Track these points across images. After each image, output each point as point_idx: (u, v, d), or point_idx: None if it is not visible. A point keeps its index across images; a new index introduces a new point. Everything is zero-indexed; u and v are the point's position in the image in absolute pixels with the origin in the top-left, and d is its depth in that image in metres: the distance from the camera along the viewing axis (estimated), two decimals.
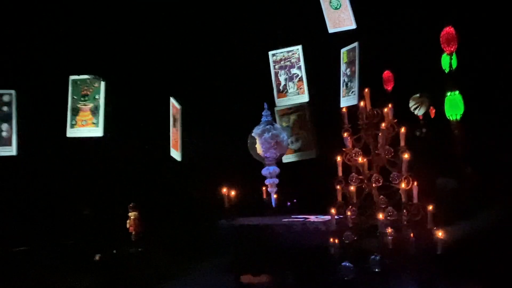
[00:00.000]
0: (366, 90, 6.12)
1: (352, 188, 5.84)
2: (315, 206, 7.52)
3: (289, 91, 8.58)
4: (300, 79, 8.45)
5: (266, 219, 7.33)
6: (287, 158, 9.03)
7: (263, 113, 7.83)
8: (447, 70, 6.67)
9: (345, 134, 6.07)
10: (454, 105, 6.15)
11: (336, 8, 8.27)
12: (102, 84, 7.86)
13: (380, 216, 5.54)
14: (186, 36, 8.80)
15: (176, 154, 8.07)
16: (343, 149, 6.12)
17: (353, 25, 8.18)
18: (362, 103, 6.03)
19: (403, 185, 5.63)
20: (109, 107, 7.77)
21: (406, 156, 5.69)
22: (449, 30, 6.52)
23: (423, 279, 5.55)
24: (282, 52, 8.74)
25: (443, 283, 5.54)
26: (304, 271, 6.31)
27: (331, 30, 8.30)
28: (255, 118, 8.16)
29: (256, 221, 7.27)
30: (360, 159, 5.83)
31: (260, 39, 8.51)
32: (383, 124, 5.82)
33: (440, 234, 5.50)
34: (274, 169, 7.50)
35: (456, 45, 6.45)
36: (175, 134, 8.18)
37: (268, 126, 7.62)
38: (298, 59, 8.55)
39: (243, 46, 8.80)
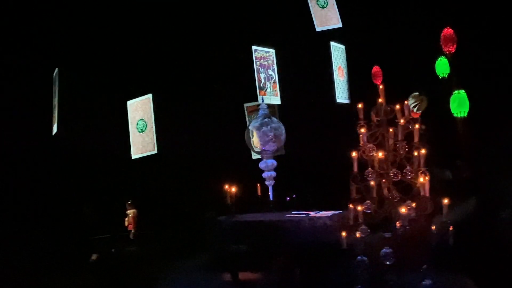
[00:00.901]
0: (381, 87, 6.21)
1: (372, 183, 5.91)
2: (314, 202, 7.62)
3: (267, 90, 8.64)
4: (275, 81, 8.50)
5: (269, 215, 7.30)
6: (257, 155, 9.07)
7: (259, 106, 7.79)
8: (441, 76, 6.94)
9: (362, 130, 6.14)
10: (461, 103, 6.41)
11: (323, 7, 8.39)
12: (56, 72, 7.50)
13: (403, 210, 5.63)
14: (168, 31, 8.65)
15: None
16: (360, 145, 6.17)
17: (339, 24, 8.35)
18: (380, 100, 6.12)
19: (421, 180, 5.77)
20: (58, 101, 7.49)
21: (423, 151, 5.84)
22: (447, 31, 6.79)
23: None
24: (262, 51, 8.77)
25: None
26: (317, 266, 6.31)
27: (318, 28, 8.43)
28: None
29: (259, 217, 7.22)
30: (381, 154, 5.91)
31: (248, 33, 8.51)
32: (402, 120, 5.94)
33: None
34: (272, 162, 7.47)
35: (455, 45, 6.72)
36: None
37: (266, 120, 7.56)
38: (273, 61, 8.61)
39: (229, 41, 8.76)
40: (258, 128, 7.45)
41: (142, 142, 8.87)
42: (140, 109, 9.01)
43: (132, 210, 7.25)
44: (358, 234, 5.83)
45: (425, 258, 5.73)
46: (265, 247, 6.58)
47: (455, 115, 6.52)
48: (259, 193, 7.83)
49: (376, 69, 7.99)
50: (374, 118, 6.28)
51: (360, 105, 6.24)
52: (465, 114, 6.45)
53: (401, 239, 5.80)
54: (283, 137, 7.60)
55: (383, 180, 6.10)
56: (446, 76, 6.91)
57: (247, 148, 8.60)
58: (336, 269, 6.10)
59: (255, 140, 7.49)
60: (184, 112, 8.98)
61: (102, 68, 8.47)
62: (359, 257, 5.87)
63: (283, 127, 7.58)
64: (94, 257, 6.82)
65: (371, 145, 6.18)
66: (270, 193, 7.47)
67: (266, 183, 7.52)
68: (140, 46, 8.58)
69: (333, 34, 7.70)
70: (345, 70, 8.06)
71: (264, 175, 7.51)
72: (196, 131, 8.93)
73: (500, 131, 6.84)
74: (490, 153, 6.97)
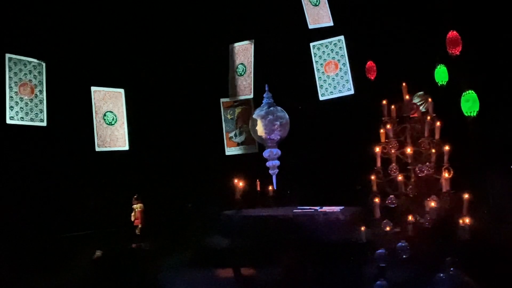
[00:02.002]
0: (404, 84, 6.34)
1: (400, 178, 6.01)
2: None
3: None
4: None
5: (277, 210, 7.21)
6: (230, 151, 8.97)
7: (264, 95, 7.71)
8: (440, 83, 7.23)
9: (388, 126, 6.22)
10: (473, 103, 6.71)
11: (315, 5, 8.46)
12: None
13: (432, 204, 5.78)
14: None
15: None
16: (386, 141, 6.26)
17: (330, 22, 8.44)
18: (407, 97, 6.24)
19: (446, 175, 5.95)
20: None
21: (447, 147, 6.03)
22: (453, 34, 7.09)
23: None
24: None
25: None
26: (337, 260, 6.30)
27: (311, 26, 8.47)
28: None
29: (267, 212, 7.08)
30: (409, 150, 6.02)
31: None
32: (428, 117, 6.09)
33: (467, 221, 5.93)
34: (277, 151, 7.44)
35: (460, 47, 7.03)
36: None
37: (271, 108, 7.51)
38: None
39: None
40: (264, 117, 7.38)
41: (110, 135, 8.46)
42: (109, 101, 8.57)
43: (139, 205, 6.84)
44: (388, 228, 5.88)
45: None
46: (279, 242, 6.46)
47: (466, 114, 6.81)
48: (258, 188, 7.72)
49: (370, 64, 8.18)
50: (395, 115, 6.37)
51: (384, 102, 6.30)
52: (475, 114, 6.77)
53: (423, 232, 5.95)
54: (287, 126, 7.56)
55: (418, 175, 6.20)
56: (445, 83, 7.20)
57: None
58: (356, 263, 6.13)
59: (260, 129, 7.40)
60: (159, 107, 8.71)
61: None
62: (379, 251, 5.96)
63: (287, 116, 7.55)
64: (98, 253, 6.34)
65: (394, 140, 6.27)
66: (273, 182, 7.42)
67: (270, 172, 7.46)
68: (115, 40, 8.24)
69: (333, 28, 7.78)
70: (342, 62, 8.10)
71: (268, 164, 7.45)
72: (170, 126, 8.69)
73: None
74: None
